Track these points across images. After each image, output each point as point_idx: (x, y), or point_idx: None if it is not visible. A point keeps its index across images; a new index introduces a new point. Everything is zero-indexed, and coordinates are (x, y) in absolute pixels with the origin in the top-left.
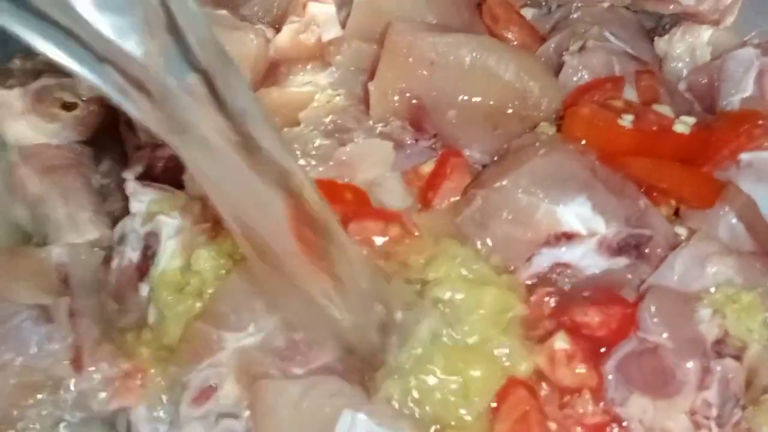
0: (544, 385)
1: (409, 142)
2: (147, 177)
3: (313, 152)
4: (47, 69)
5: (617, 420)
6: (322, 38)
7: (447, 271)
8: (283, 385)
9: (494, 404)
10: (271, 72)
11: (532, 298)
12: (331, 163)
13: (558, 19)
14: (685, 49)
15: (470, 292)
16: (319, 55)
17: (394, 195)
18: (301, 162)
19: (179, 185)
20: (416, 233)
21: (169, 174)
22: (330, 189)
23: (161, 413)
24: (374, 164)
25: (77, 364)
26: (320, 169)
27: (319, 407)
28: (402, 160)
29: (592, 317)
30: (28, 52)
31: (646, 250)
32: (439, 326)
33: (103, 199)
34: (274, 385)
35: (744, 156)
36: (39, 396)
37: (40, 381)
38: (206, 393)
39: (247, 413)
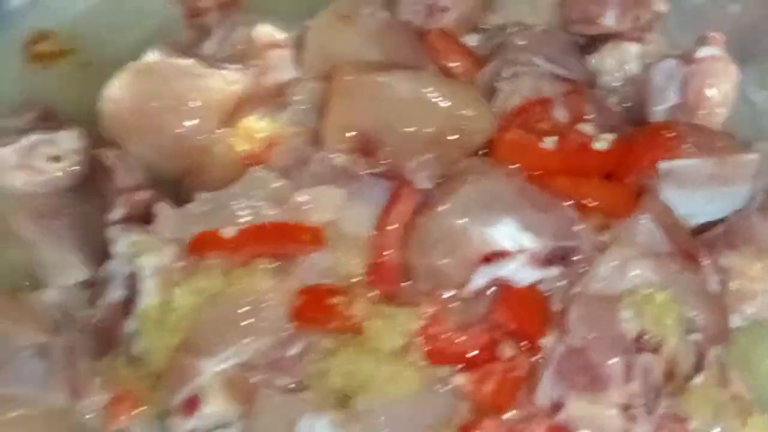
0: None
1: (362, 173)
2: (130, 219)
3: (271, 195)
4: (34, 127)
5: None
6: (279, 79)
7: None
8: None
9: None
10: (234, 113)
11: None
12: (287, 206)
13: (496, 43)
14: (615, 64)
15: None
16: (278, 95)
17: (354, 224)
18: (261, 203)
19: None
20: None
21: (150, 216)
22: (286, 231)
23: None
24: (327, 208)
25: (75, 395)
26: (275, 211)
27: (290, 411)
28: (358, 189)
29: None
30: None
31: (574, 259)
32: None
33: (89, 241)
34: (266, 394)
35: (663, 165)
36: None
37: (42, 412)
38: (192, 403)
39: (236, 425)
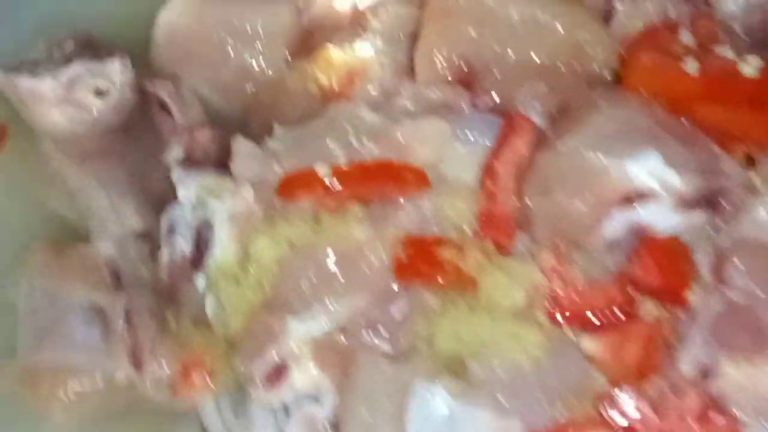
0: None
1: (466, 108)
2: (189, 161)
3: (365, 130)
4: (77, 56)
5: (716, 404)
6: (357, 4)
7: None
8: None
9: None
10: (306, 43)
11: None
12: (385, 142)
13: None
14: None
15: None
16: (356, 22)
17: (458, 166)
18: (355, 140)
19: (224, 168)
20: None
21: (211, 158)
22: (390, 170)
23: (228, 407)
24: (430, 144)
25: (137, 364)
26: (375, 149)
27: (400, 380)
28: (461, 127)
29: None
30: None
31: (723, 202)
32: None
33: (143, 187)
34: (369, 361)
35: None
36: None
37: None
38: (277, 371)
39: (330, 397)
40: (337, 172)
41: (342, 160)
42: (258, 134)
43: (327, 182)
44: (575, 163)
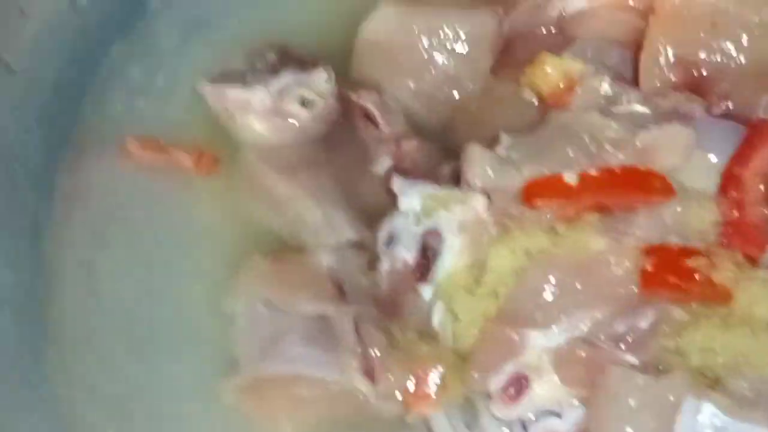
0: None
1: (700, 114)
2: (402, 171)
3: (603, 137)
4: (283, 66)
5: None
6: (563, 11)
7: None
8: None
9: None
10: (508, 51)
11: None
12: (625, 149)
13: None
14: None
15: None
16: (563, 29)
17: (696, 174)
18: (592, 148)
19: (433, 178)
20: None
21: (420, 167)
22: (636, 177)
23: (460, 421)
24: (672, 151)
25: (369, 375)
26: (616, 156)
27: (663, 394)
28: (697, 134)
29: None
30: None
31: None
32: None
33: (352, 197)
34: (620, 373)
35: None
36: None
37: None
38: (517, 385)
39: (572, 412)
40: (585, 179)
41: (582, 167)
42: (462, 144)
43: (574, 189)
44: None
